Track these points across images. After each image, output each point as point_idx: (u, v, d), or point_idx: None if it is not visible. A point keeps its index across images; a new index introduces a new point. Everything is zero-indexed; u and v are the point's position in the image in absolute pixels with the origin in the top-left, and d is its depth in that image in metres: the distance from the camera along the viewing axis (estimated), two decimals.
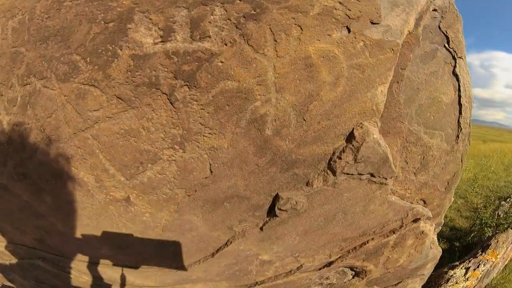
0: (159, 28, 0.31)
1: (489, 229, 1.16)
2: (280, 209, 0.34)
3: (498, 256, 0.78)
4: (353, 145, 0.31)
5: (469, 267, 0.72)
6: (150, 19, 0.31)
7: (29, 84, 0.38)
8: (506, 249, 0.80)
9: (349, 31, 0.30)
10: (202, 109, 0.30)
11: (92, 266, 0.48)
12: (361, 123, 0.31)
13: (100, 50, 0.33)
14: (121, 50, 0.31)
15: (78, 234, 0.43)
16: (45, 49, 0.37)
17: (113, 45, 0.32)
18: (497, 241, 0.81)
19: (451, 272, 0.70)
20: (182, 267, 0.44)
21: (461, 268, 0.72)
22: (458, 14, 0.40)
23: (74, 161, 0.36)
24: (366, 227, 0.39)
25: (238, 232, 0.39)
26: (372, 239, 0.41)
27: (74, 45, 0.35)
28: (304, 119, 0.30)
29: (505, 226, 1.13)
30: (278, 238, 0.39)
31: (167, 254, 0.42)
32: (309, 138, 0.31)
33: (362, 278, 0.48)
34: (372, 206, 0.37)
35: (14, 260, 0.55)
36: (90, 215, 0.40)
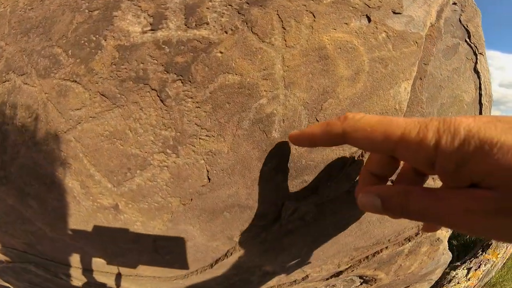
0: (148, 15, 0.25)
1: None
2: (286, 220, 0.28)
3: (498, 256, 0.73)
4: None
5: (471, 268, 0.68)
6: (139, 6, 0.25)
7: (8, 81, 0.32)
8: (506, 248, 0.75)
9: (369, 20, 0.24)
10: (198, 107, 0.24)
11: (85, 272, 0.42)
12: None
13: (82, 41, 0.26)
14: (105, 40, 0.25)
15: (68, 241, 0.37)
16: (26, 42, 0.31)
17: (97, 35, 0.26)
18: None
19: (453, 273, 0.65)
20: (178, 276, 0.38)
21: (463, 269, 0.68)
22: (477, 8, 0.34)
23: (57, 166, 0.30)
24: (381, 235, 0.33)
25: (240, 242, 0.32)
26: (386, 247, 0.35)
27: (55, 37, 0.29)
28: (317, 120, 0.24)
29: None
30: (284, 249, 0.33)
31: (162, 262, 0.36)
32: None
33: (371, 285, 0.42)
34: None
35: (6, 263, 0.49)
36: (78, 222, 0.34)
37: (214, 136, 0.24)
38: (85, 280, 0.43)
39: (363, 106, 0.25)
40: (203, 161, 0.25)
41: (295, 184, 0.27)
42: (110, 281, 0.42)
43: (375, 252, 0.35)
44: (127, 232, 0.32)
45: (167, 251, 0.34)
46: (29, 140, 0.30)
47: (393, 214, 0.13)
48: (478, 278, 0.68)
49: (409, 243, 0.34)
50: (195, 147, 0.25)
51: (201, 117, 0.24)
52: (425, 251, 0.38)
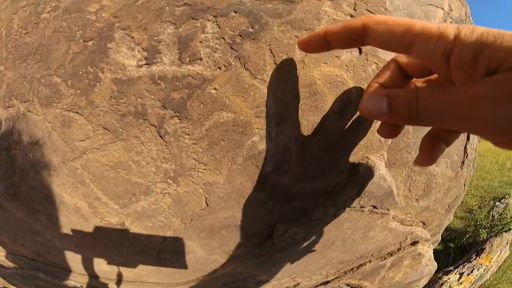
0: (142, 49, 0.27)
1: (483, 230, 1.16)
2: (278, 238, 0.32)
3: (492, 260, 0.78)
4: (357, 181, 0.28)
5: (463, 272, 0.73)
6: (132, 37, 0.27)
7: (12, 106, 0.35)
8: (500, 252, 0.81)
9: (360, 52, 0.26)
10: (195, 143, 0.27)
11: (93, 278, 0.48)
12: (367, 157, 0.28)
13: (80, 72, 0.29)
14: (102, 73, 0.27)
15: (76, 251, 0.42)
16: (25, 69, 0.33)
17: (94, 67, 0.28)
18: (492, 245, 0.82)
19: (445, 278, 0.71)
20: (180, 283, 0.44)
21: (455, 274, 0.73)
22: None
23: (65, 188, 0.34)
24: (365, 251, 0.37)
25: (236, 256, 0.37)
26: (370, 261, 0.39)
27: (53, 66, 0.31)
28: (305, 155, 0.27)
29: (500, 227, 1.12)
30: (276, 262, 0.37)
31: (165, 272, 0.41)
32: (311, 173, 0.28)
33: None
34: (372, 233, 0.35)
35: (15, 269, 0.55)
36: (87, 236, 0.38)
37: (211, 170, 0.28)
38: (92, 285, 0.49)
39: (349, 140, 0.27)
40: (201, 190, 0.29)
41: (286, 209, 0.30)
42: (116, 287, 0.48)
43: (359, 265, 0.39)
44: (132, 245, 0.37)
45: (170, 262, 0.39)
46: (36, 165, 0.34)
47: (400, 118, 0.12)
48: (470, 282, 0.73)
49: (391, 257, 0.39)
50: (193, 178, 0.28)
51: (198, 152, 0.27)
52: (407, 264, 0.42)
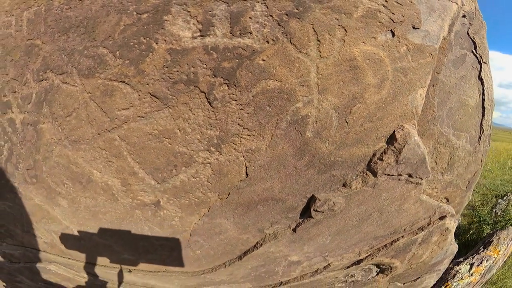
0: (197, 22, 0.28)
1: (487, 226, 1.19)
2: (316, 211, 0.32)
3: (499, 253, 0.79)
4: (395, 147, 0.30)
5: (473, 263, 0.74)
6: (188, 11, 0.29)
7: (46, 79, 0.34)
8: (507, 245, 0.83)
9: (393, 34, 0.29)
10: (241, 109, 0.28)
11: (111, 270, 0.44)
12: (402, 125, 0.30)
13: (132, 43, 0.29)
14: (156, 43, 0.28)
15: (97, 239, 0.39)
16: (65, 42, 0.34)
17: (148, 38, 0.29)
18: (499, 238, 0.84)
19: (457, 268, 0.71)
20: (206, 270, 0.41)
21: (466, 264, 0.74)
22: (483, 21, 0.41)
23: (97, 164, 0.33)
24: (398, 225, 0.38)
25: (269, 234, 0.36)
26: (402, 236, 0.40)
27: (100, 37, 0.31)
28: (346, 121, 0.29)
29: (503, 223, 1.15)
30: (310, 239, 0.37)
31: (191, 258, 0.39)
32: (350, 140, 0.30)
33: (387, 275, 0.47)
34: (406, 205, 0.36)
35: (24, 263, 0.50)
36: (112, 220, 0.37)
37: (254, 135, 0.28)
38: (109, 278, 0.45)
39: (386, 110, 0.29)
40: (243, 158, 0.29)
41: (324, 178, 0.31)
42: (137, 279, 0.44)
43: (393, 241, 0.39)
44: (163, 228, 0.35)
45: (199, 246, 0.37)
46: (65, 139, 0.33)
47: None
48: (480, 274, 0.74)
49: (422, 232, 0.40)
50: (236, 145, 0.29)
51: (244, 118, 0.28)
52: (435, 241, 0.43)
